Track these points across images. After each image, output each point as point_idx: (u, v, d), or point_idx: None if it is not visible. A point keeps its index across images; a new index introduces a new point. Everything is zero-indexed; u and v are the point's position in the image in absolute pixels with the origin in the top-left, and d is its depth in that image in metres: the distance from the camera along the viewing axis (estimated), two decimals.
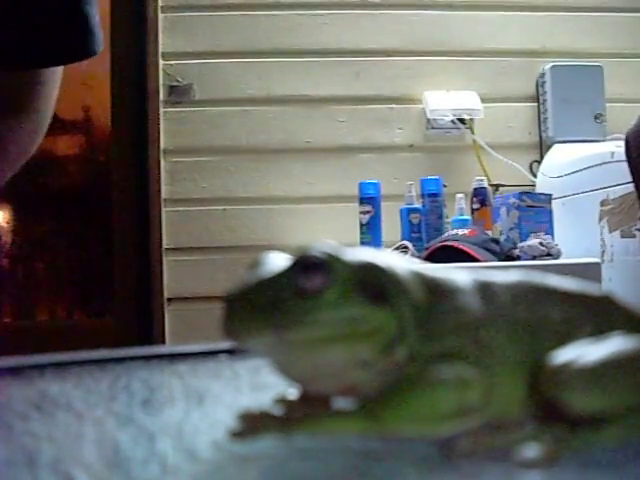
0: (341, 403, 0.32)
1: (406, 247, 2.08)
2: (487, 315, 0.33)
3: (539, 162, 2.46)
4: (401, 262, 0.34)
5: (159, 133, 2.40)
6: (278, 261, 0.32)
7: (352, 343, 0.30)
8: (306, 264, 0.31)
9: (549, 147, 2.45)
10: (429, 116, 2.43)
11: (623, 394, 0.31)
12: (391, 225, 2.21)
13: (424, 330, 0.32)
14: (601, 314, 0.35)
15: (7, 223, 3.14)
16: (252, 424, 0.31)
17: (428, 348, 0.31)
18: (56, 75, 0.66)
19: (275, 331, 0.30)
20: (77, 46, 0.63)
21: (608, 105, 2.44)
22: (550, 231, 2.10)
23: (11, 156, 0.66)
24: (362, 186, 2.22)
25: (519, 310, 0.33)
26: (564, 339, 0.32)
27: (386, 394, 0.30)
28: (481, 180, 2.26)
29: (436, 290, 0.33)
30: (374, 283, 0.31)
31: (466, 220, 2.18)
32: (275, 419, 0.31)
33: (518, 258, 1.97)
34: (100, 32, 0.64)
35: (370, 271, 0.32)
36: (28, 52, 0.61)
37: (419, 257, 1.96)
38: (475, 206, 2.23)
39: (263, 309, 0.30)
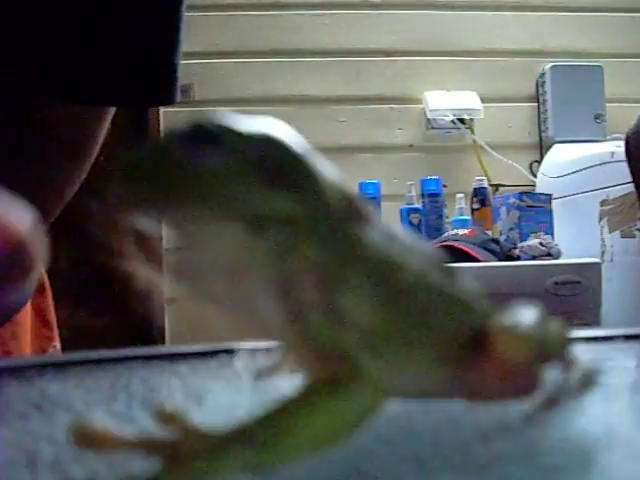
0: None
1: None
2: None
3: (539, 162, 2.46)
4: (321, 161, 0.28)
5: (159, 133, 2.40)
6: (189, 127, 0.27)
7: (246, 227, 0.26)
8: (195, 136, 0.26)
9: (549, 147, 2.45)
10: (429, 116, 2.43)
11: None
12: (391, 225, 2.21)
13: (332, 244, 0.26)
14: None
15: None
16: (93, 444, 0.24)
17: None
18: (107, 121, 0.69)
19: (158, 207, 0.27)
20: (161, 92, 0.67)
21: (608, 105, 2.44)
22: (550, 231, 2.10)
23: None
24: (362, 186, 2.22)
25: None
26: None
27: (269, 418, 0.24)
28: (481, 180, 2.26)
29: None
30: (276, 162, 0.26)
31: (466, 220, 2.18)
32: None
33: (518, 258, 1.97)
34: (179, 82, 0.66)
35: (273, 147, 0.26)
36: (116, 92, 0.65)
37: None
38: (475, 206, 2.23)
39: (147, 183, 0.26)
